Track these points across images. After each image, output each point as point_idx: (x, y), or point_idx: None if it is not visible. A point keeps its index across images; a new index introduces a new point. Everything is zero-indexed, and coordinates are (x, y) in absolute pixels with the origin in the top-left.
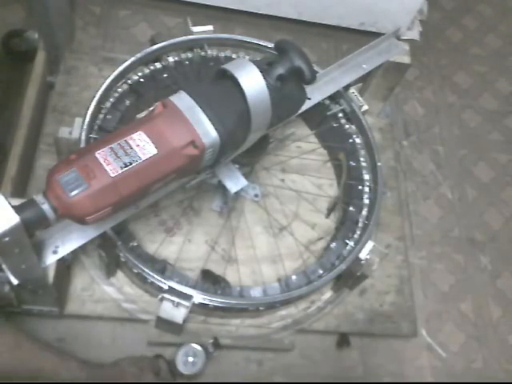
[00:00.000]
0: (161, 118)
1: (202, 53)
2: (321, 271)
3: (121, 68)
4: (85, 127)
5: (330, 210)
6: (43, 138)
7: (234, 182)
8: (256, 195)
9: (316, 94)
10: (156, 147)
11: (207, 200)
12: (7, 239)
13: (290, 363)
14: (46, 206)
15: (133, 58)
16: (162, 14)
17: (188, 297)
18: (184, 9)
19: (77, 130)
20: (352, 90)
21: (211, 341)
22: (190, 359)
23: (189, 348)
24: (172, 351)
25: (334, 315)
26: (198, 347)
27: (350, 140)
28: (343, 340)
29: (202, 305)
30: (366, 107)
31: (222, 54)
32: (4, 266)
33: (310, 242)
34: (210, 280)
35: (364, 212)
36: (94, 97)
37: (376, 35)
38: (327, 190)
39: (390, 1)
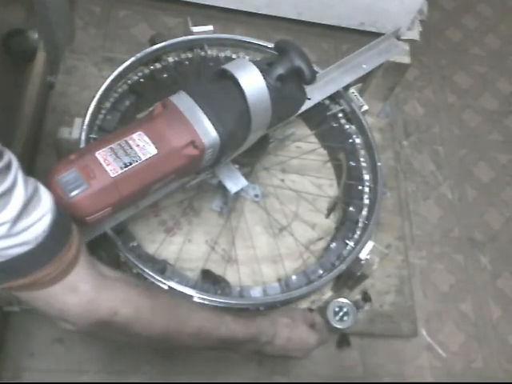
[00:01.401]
0: (161, 118)
1: (202, 53)
2: (321, 271)
3: (121, 68)
4: (85, 127)
5: (330, 210)
6: (43, 138)
7: (234, 182)
8: (256, 195)
9: (316, 93)
10: (156, 147)
11: (207, 200)
12: None
13: (290, 363)
14: None
15: (133, 58)
16: (162, 14)
17: (188, 297)
18: (184, 9)
19: (77, 130)
20: (352, 90)
21: (359, 296)
22: (341, 313)
23: (339, 303)
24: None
25: None
26: (348, 301)
27: (350, 140)
28: (343, 340)
29: (201, 305)
30: (366, 107)
31: (222, 54)
32: None
33: (310, 242)
34: (210, 280)
35: (364, 212)
36: (94, 97)
37: (376, 35)
38: (327, 190)
39: (390, 1)
